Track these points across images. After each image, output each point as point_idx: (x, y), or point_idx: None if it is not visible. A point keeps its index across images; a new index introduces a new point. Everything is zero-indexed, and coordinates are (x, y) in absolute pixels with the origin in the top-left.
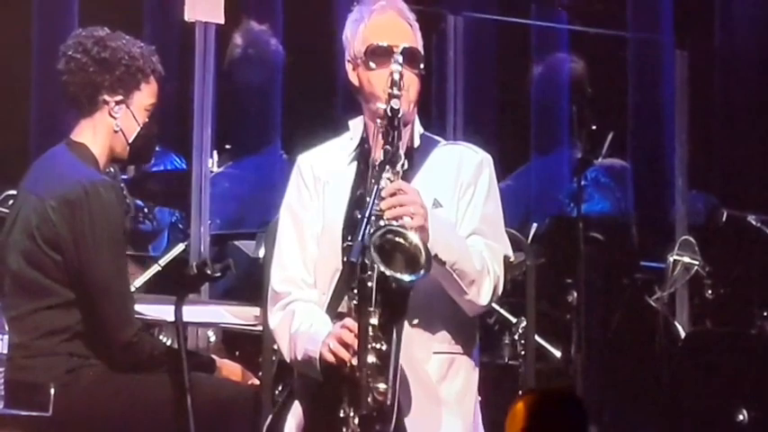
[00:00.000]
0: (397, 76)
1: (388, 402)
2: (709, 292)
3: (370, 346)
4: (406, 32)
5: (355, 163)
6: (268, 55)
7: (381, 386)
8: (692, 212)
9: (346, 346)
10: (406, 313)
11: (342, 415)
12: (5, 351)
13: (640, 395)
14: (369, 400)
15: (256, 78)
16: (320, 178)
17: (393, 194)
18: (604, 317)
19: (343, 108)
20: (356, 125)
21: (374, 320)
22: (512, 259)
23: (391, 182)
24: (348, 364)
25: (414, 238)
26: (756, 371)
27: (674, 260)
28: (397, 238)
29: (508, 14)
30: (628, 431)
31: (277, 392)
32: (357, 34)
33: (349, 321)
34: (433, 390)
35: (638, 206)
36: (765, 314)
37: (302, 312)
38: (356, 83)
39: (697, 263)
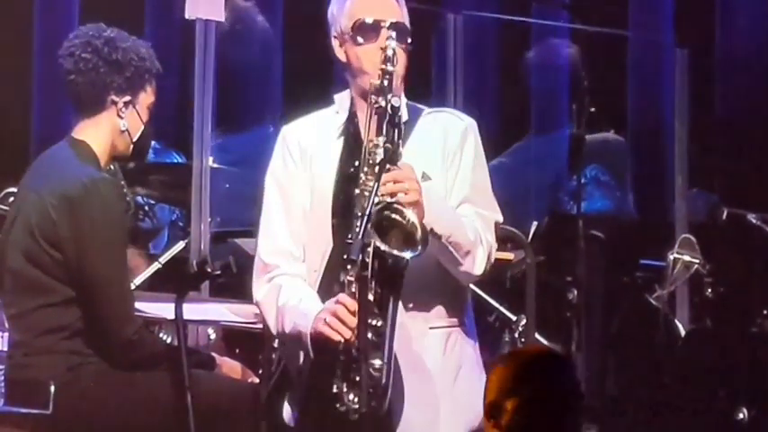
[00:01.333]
0: (390, 52)
1: (384, 379)
2: (710, 290)
3: (366, 322)
4: (392, 7)
5: (343, 138)
6: (255, 31)
7: (377, 362)
8: (692, 211)
9: (343, 321)
10: (402, 289)
11: (335, 390)
12: (6, 349)
13: (640, 393)
14: (365, 376)
15: (244, 55)
16: (306, 151)
17: (387, 170)
18: (604, 315)
19: (340, 87)
20: (342, 99)
21: (371, 296)
22: (501, 222)
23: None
24: (343, 340)
25: (410, 215)
26: (757, 369)
27: (675, 258)
28: (393, 215)
29: (508, 13)
30: (628, 429)
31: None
32: (343, 10)
33: (343, 297)
34: (430, 366)
35: (638, 204)
36: (765, 312)
37: (290, 286)
38: (343, 59)
39: (697, 261)
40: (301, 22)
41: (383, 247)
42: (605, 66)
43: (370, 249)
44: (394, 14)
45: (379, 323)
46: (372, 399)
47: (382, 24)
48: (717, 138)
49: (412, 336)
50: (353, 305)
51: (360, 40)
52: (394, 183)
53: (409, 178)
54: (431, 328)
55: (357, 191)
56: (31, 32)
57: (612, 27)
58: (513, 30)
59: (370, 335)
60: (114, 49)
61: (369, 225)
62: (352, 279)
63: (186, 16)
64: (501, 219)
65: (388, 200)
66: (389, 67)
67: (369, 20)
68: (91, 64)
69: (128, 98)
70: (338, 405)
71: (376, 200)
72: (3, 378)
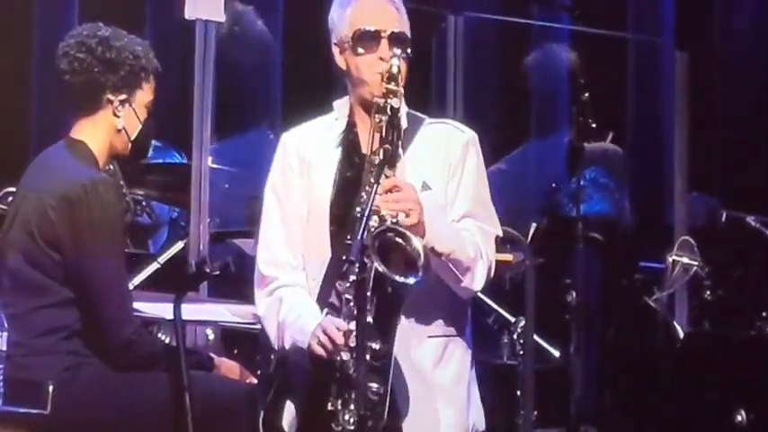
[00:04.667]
0: (395, 70)
1: (381, 404)
2: (708, 292)
3: (364, 343)
4: (393, 16)
5: (341, 147)
6: (254, 34)
7: (374, 386)
8: (691, 213)
9: (332, 340)
10: (401, 312)
11: (330, 408)
12: (5, 348)
13: (639, 395)
14: (362, 399)
15: (242, 57)
16: (305, 159)
17: (389, 191)
18: (603, 317)
19: (340, 92)
20: (341, 106)
21: (370, 318)
22: (501, 237)
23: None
24: (338, 359)
25: (415, 241)
26: (755, 372)
27: (673, 261)
28: (396, 239)
29: (509, 14)
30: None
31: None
32: (344, 18)
33: (337, 320)
34: (427, 376)
35: (637, 206)
36: (764, 315)
37: (289, 299)
38: (343, 66)
39: (696, 264)
40: (301, 25)
41: (384, 270)
42: (605, 68)
43: (371, 272)
44: (394, 24)
45: (378, 346)
46: (368, 421)
47: (382, 35)
48: (716, 140)
49: (409, 344)
50: (343, 324)
51: (359, 50)
52: (395, 203)
53: (410, 199)
54: (429, 336)
55: (358, 209)
56: (31, 32)
57: (613, 29)
58: (514, 31)
59: (368, 357)
60: (108, 48)
61: (368, 228)
62: (350, 297)
63: (186, 17)
64: (501, 233)
65: (390, 222)
66: (393, 87)
67: (369, 29)
68: (85, 64)
69: (123, 97)
70: (333, 424)
71: (375, 207)
72: (1, 378)
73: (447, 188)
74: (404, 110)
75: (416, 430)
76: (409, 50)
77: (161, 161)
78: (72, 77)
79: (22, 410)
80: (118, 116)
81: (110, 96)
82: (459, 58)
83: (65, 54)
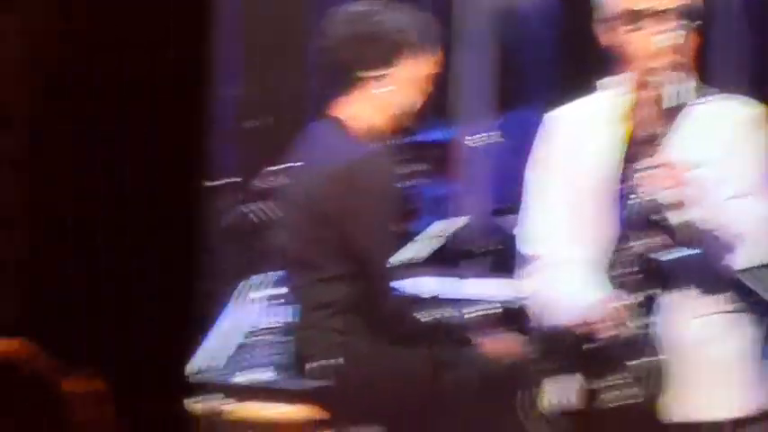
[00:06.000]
0: (660, 45)
1: (657, 373)
2: None
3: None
4: None
5: (610, 124)
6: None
7: (645, 360)
8: None
9: (604, 320)
10: (664, 288)
11: (611, 383)
12: (280, 322)
13: None
14: (640, 367)
15: (522, 29)
16: (571, 136)
17: (653, 168)
18: None
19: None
20: (611, 84)
21: (633, 295)
22: None
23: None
24: (610, 336)
25: (672, 216)
26: None
27: None
28: (661, 215)
29: None
30: None
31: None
32: None
33: (606, 298)
34: (700, 353)
35: None
36: None
37: (557, 278)
38: (612, 44)
39: None
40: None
41: (643, 245)
42: None
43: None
44: (667, 0)
45: (643, 322)
46: (645, 394)
47: (655, 11)
48: None
49: (680, 320)
50: (612, 302)
51: (629, 27)
52: (657, 180)
53: (675, 177)
54: (702, 313)
55: (623, 186)
56: (301, 10)
57: None
58: None
59: (635, 333)
60: (365, 23)
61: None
62: (616, 275)
63: None
64: None
65: (657, 196)
66: (656, 64)
67: (639, 8)
68: (341, 39)
69: (381, 72)
70: (613, 397)
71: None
72: (282, 352)
73: (724, 165)
74: (689, 84)
75: (691, 409)
76: (689, 22)
77: (424, 139)
78: (330, 55)
79: (293, 387)
80: (377, 91)
81: (367, 72)
82: None
83: (323, 31)
